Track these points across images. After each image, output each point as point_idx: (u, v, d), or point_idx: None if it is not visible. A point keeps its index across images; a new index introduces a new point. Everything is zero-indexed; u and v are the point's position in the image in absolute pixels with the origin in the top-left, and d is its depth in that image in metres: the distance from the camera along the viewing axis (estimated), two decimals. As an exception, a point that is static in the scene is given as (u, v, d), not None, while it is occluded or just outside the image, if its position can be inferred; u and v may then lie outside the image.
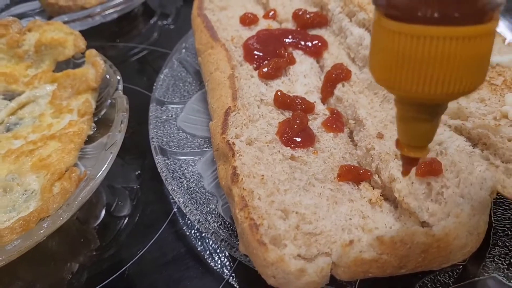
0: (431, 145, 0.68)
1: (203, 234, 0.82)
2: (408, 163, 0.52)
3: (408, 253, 0.57)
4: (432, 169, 0.65)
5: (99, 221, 0.87)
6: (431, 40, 0.39)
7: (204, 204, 0.76)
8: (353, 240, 0.57)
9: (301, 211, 0.62)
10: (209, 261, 0.78)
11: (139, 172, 0.97)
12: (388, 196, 0.68)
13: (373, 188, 0.69)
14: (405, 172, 0.54)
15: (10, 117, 0.98)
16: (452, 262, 0.60)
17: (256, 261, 0.58)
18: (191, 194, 0.77)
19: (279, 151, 0.71)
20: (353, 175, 0.69)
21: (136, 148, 1.00)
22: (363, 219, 0.63)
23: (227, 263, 0.77)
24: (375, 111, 0.79)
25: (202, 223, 0.72)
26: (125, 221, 0.86)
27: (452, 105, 0.71)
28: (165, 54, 1.13)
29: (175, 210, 0.87)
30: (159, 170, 0.81)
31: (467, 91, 0.42)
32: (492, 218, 0.72)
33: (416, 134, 0.48)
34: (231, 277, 0.75)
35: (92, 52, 1.00)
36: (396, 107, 0.48)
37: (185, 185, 0.79)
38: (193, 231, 0.83)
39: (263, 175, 0.65)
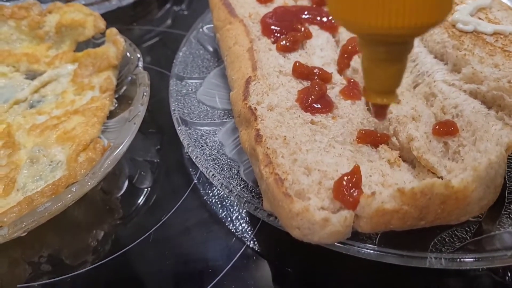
0: (447, 108, 0.72)
1: (224, 203, 0.84)
2: (379, 111, 0.52)
3: (428, 204, 0.59)
4: (449, 129, 0.67)
5: (122, 192, 0.89)
6: None
7: (226, 169, 0.79)
8: (375, 191, 0.59)
9: (323, 169, 0.64)
10: (231, 227, 0.80)
11: (159, 147, 0.99)
12: (406, 158, 0.70)
13: (391, 149, 0.71)
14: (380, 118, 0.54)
15: (34, 95, 1.01)
16: (470, 215, 0.62)
17: (281, 214, 0.60)
18: (214, 161, 0.80)
19: (299, 116, 0.73)
20: (372, 138, 0.72)
21: (156, 124, 1.03)
22: (382, 176, 0.65)
23: (248, 229, 0.80)
24: (391, 80, 0.81)
25: (226, 186, 0.74)
26: (148, 191, 0.89)
27: (466, 70, 0.74)
28: (180, 36, 1.16)
29: (195, 181, 0.89)
30: (181, 139, 0.84)
31: (435, 22, 0.40)
32: (506, 180, 0.74)
33: (384, 78, 0.46)
34: (251, 241, 0.78)
35: (113, 30, 1.03)
36: (361, 51, 0.47)
37: (207, 152, 0.81)
38: (214, 200, 0.85)
39: (285, 136, 0.68)
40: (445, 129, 0.67)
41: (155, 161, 0.96)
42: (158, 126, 1.03)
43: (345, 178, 0.60)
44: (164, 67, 1.14)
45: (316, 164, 0.64)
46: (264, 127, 0.69)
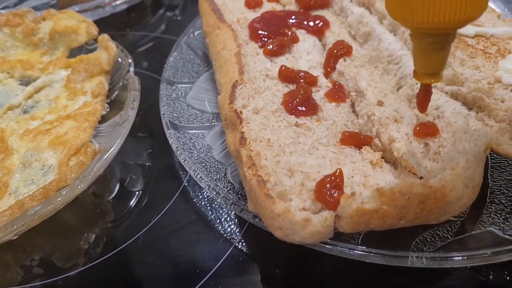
0: (428, 110, 0.73)
1: (213, 205, 0.86)
2: (425, 92, 0.61)
3: (407, 204, 0.60)
4: (429, 130, 0.69)
5: (113, 195, 0.91)
6: None
7: (214, 172, 0.80)
8: (355, 192, 0.61)
9: (305, 170, 0.65)
10: (219, 228, 0.81)
11: (150, 150, 1.01)
12: (388, 159, 0.71)
13: (374, 151, 0.72)
14: (423, 106, 0.64)
15: (27, 100, 1.03)
16: (450, 215, 0.63)
17: (264, 214, 0.61)
18: (201, 163, 0.81)
19: (284, 119, 0.75)
20: (355, 139, 0.73)
21: (147, 128, 1.05)
22: (364, 177, 0.66)
23: (236, 230, 0.81)
24: (375, 83, 0.82)
25: (213, 189, 0.76)
26: (138, 194, 0.90)
27: (448, 72, 0.75)
28: (173, 42, 1.17)
29: (185, 183, 0.91)
30: (170, 143, 0.85)
31: (473, 18, 0.48)
32: (489, 180, 0.75)
33: (432, 62, 0.55)
34: (239, 243, 0.79)
35: (105, 36, 1.05)
36: (412, 42, 0.55)
37: (196, 155, 0.83)
38: (203, 202, 0.87)
39: (269, 139, 0.69)
40: (425, 131, 0.68)
41: (147, 164, 0.97)
42: (150, 130, 1.05)
43: (327, 179, 0.62)
44: (157, 72, 1.16)
45: (299, 166, 0.66)
46: (249, 130, 0.70)
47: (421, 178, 0.64)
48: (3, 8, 1.44)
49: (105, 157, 0.81)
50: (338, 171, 0.62)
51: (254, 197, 0.63)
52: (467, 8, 0.47)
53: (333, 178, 0.62)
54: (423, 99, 0.63)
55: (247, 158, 0.66)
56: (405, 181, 0.61)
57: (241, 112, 0.74)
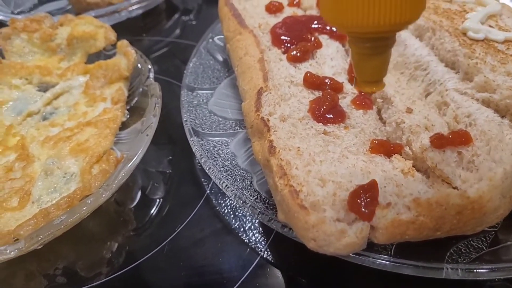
0: (460, 117, 0.72)
1: (237, 213, 0.85)
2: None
3: (444, 215, 0.59)
4: (462, 139, 0.67)
5: (135, 203, 0.90)
6: None
7: (239, 180, 0.79)
8: (390, 202, 0.60)
9: (337, 180, 0.64)
10: (244, 238, 0.80)
11: (171, 157, 1.00)
12: (420, 168, 0.70)
13: (405, 159, 0.71)
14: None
15: (46, 107, 1.02)
16: (486, 225, 0.62)
17: (296, 225, 0.60)
18: (227, 172, 0.80)
19: (312, 127, 0.73)
20: (385, 148, 0.72)
21: (167, 135, 1.04)
22: (396, 187, 0.65)
23: (262, 239, 0.80)
24: (402, 89, 0.81)
25: (239, 198, 0.75)
26: (160, 202, 0.89)
27: (479, 79, 0.74)
28: (189, 46, 1.17)
29: (207, 192, 0.90)
30: (193, 150, 0.84)
31: (410, 21, 0.46)
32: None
33: (371, 69, 0.52)
34: (265, 252, 0.78)
35: (124, 42, 1.04)
36: (351, 47, 0.52)
37: (220, 163, 0.82)
38: (226, 210, 0.85)
39: (298, 148, 0.68)
40: (458, 138, 0.67)
41: (167, 171, 0.96)
42: (170, 137, 1.04)
43: (361, 190, 0.60)
44: (174, 77, 1.15)
45: (330, 175, 0.65)
46: (277, 138, 0.69)
47: (456, 188, 0.63)
48: (18, 13, 1.43)
49: (129, 165, 0.80)
50: (372, 182, 0.61)
51: (286, 208, 0.62)
52: (404, 11, 0.45)
53: (367, 188, 0.61)
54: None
55: (278, 168, 0.65)
56: (441, 192, 0.60)
57: (268, 120, 0.73)
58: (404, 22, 0.46)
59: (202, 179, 0.92)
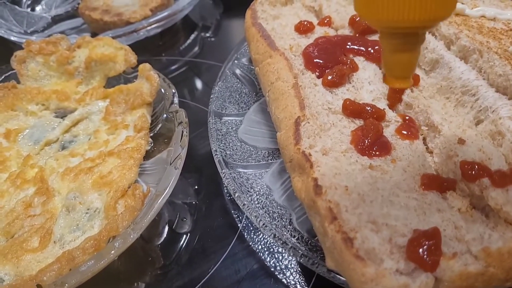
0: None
1: (271, 249, 0.79)
2: (395, 96, 0.65)
3: (517, 265, 0.53)
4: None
5: (162, 239, 0.84)
6: None
7: (277, 218, 0.73)
8: (457, 252, 0.54)
9: (391, 223, 0.58)
10: (283, 279, 0.75)
11: (197, 187, 0.94)
12: (477, 205, 0.64)
13: (460, 196, 0.65)
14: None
15: (65, 134, 0.97)
16: (559, 274, 0.56)
17: (352, 277, 0.54)
18: (263, 208, 0.75)
19: (356, 161, 0.68)
20: (438, 184, 0.66)
21: (191, 163, 0.98)
22: (456, 229, 0.60)
23: (302, 280, 0.74)
24: (450, 116, 0.75)
25: (279, 238, 0.69)
26: (188, 237, 0.84)
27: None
28: (209, 66, 1.12)
29: (239, 227, 0.84)
30: (226, 184, 0.79)
31: (441, 18, 0.49)
32: None
33: (401, 65, 0.55)
34: (307, 294, 0.72)
35: (146, 66, 0.99)
36: (381, 43, 0.55)
37: (255, 199, 0.76)
38: (260, 246, 0.80)
39: (346, 186, 0.62)
40: (521, 175, 0.62)
41: (194, 202, 0.91)
42: (194, 165, 0.98)
43: (422, 237, 0.55)
44: (195, 99, 1.10)
45: (384, 218, 0.59)
46: (321, 176, 0.64)
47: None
48: (31, 32, 1.38)
49: (158, 201, 0.74)
50: (435, 229, 0.56)
51: (338, 256, 0.56)
52: (435, 8, 0.47)
53: (429, 235, 0.55)
54: (392, 100, 0.67)
55: (327, 211, 0.59)
56: (513, 240, 0.54)
57: (310, 154, 0.67)
58: (434, 19, 0.48)
59: (232, 211, 0.87)
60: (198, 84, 1.19)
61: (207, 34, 1.41)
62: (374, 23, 0.53)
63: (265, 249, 0.79)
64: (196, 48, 1.36)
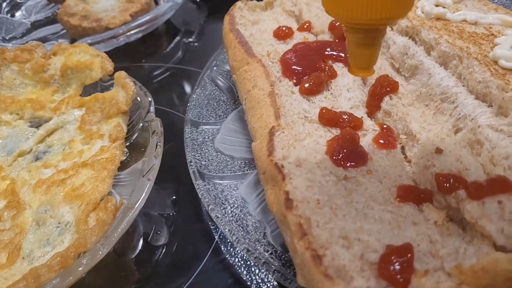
0: (496, 159, 0.64)
1: (248, 263, 0.77)
2: (374, 103, 0.70)
3: (492, 283, 0.51)
4: (502, 187, 0.59)
5: (136, 252, 0.82)
6: None
7: (251, 231, 0.71)
8: (429, 269, 0.52)
9: (364, 238, 0.56)
10: (258, 293, 0.73)
11: (174, 197, 0.92)
12: (454, 217, 0.62)
13: (437, 208, 0.63)
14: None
15: (39, 145, 0.95)
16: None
17: (321, 296, 0.52)
18: (237, 221, 0.72)
19: (331, 172, 0.66)
20: (414, 195, 0.64)
21: (170, 172, 0.96)
22: (431, 244, 0.58)
23: (278, 294, 0.72)
24: (428, 124, 0.73)
25: (252, 253, 0.67)
26: (164, 250, 0.82)
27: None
28: (191, 72, 1.10)
29: (216, 239, 0.82)
30: (200, 196, 0.77)
31: (398, 17, 0.55)
32: None
33: (363, 57, 0.60)
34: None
35: (122, 74, 0.97)
36: (347, 37, 0.59)
37: (229, 211, 0.74)
38: (237, 260, 0.78)
39: (318, 200, 0.60)
40: (498, 187, 0.59)
41: (171, 213, 0.89)
42: (173, 174, 0.96)
43: (394, 254, 0.53)
44: (175, 107, 1.08)
45: (356, 233, 0.57)
46: (293, 189, 0.61)
47: (502, 247, 0.55)
48: (10, 39, 1.36)
49: (129, 215, 0.72)
50: (407, 245, 0.53)
51: (307, 274, 0.54)
52: (393, 8, 0.52)
53: (401, 252, 0.53)
54: (371, 107, 0.72)
55: (297, 227, 0.57)
56: (488, 257, 0.52)
57: (282, 166, 0.65)
58: (395, 18, 0.54)
59: (210, 223, 0.85)
60: (179, 91, 1.16)
61: (190, 39, 1.39)
62: (341, 20, 0.59)
63: (242, 262, 0.77)
64: (179, 54, 1.33)
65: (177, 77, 1.24)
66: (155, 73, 1.26)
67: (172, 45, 1.37)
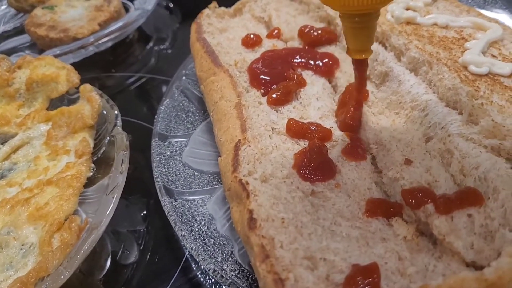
0: (467, 169, 0.62)
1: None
2: (360, 67, 0.68)
3: (459, 303, 0.49)
4: (471, 199, 0.58)
5: (104, 272, 0.79)
6: None
7: (218, 250, 0.69)
8: (395, 291, 0.50)
9: (330, 258, 0.55)
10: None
11: (145, 212, 0.90)
12: (424, 231, 0.60)
13: (406, 223, 0.61)
14: (359, 89, 0.72)
15: (3, 162, 0.91)
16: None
17: (284, 322, 0.50)
18: (204, 240, 0.70)
19: (297, 188, 0.64)
20: (383, 210, 0.62)
21: (140, 186, 0.94)
22: (400, 261, 0.56)
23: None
24: (399, 133, 0.72)
25: (218, 273, 0.65)
26: (133, 269, 0.79)
27: (485, 123, 0.64)
28: (164, 81, 1.07)
29: (187, 255, 0.79)
30: (166, 213, 0.74)
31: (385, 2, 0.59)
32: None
33: (360, 39, 0.64)
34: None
35: (87, 87, 0.94)
36: (342, 22, 0.63)
37: (196, 229, 0.72)
38: (207, 277, 0.76)
39: (283, 218, 0.58)
40: (467, 200, 0.58)
41: (141, 230, 0.86)
42: (144, 188, 0.93)
43: (359, 275, 0.51)
44: (147, 118, 1.05)
45: (322, 252, 0.55)
46: (258, 207, 0.59)
47: (472, 263, 0.53)
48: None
49: (93, 235, 0.70)
50: (372, 266, 0.52)
51: (270, 298, 0.52)
52: None
53: (367, 273, 0.51)
54: (359, 77, 0.69)
55: (259, 249, 0.55)
56: (455, 276, 0.50)
57: (247, 183, 0.63)
58: (380, 2, 0.58)
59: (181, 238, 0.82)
60: (151, 101, 1.14)
61: (163, 47, 1.36)
62: (336, 8, 0.62)
63: (214, 280, 0.75)
64: (151, 62, 1.30)
65: (149, 87, 1.21)
66: (126, 82, 1.23)
67: (144, 53, 1.34)
